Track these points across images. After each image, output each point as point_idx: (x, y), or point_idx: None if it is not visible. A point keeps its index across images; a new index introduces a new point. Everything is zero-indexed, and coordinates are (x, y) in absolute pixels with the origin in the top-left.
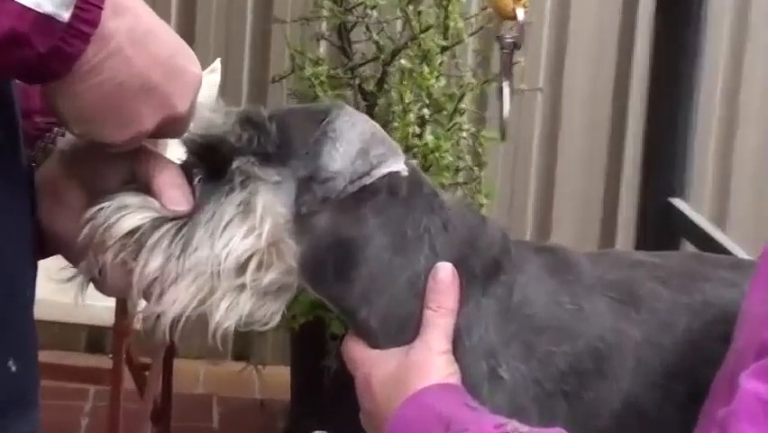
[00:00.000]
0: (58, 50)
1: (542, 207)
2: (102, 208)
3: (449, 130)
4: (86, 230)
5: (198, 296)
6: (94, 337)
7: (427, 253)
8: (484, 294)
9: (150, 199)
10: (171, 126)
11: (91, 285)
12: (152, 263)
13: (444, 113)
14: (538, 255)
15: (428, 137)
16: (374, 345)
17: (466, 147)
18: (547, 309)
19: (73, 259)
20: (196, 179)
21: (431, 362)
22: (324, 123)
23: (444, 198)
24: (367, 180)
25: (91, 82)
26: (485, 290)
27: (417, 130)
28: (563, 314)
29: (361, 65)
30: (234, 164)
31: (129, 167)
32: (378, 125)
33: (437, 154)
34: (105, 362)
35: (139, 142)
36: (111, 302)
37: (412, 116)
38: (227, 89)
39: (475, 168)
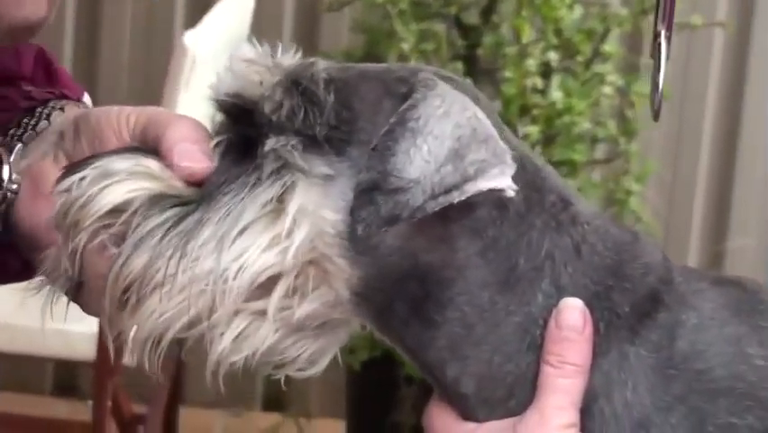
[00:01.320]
0: None
1: (718, 198)
2: (80, 178)
3: (585, 83)
4: (57, 208)
5: (189, 311)
6: (64, 375)
7: (547, 289)
8: (633, 341)
9: (149, 162)
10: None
11: (74, 304)
12: (137, 258)
13: (579, 58)
14: (716, 288)
15: (555, 93)
16: (467, 415)
17: (610, 109)
18: (728, 364)
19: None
20: (215, 141)
21: None
22: (404, 106)
23: (580, 205)
24: (455, 197)
25: None
26: (635, 335)
27: (540, 83)
28: (752, 372)
29: None
30: (269, 144)
31: (137, 133)
32: (482, 116)
33: (568, 118)
34: (80, 410)
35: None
36: (90, 326)
37: (532, 63)
38: (263, 21)
39: (622, 139)
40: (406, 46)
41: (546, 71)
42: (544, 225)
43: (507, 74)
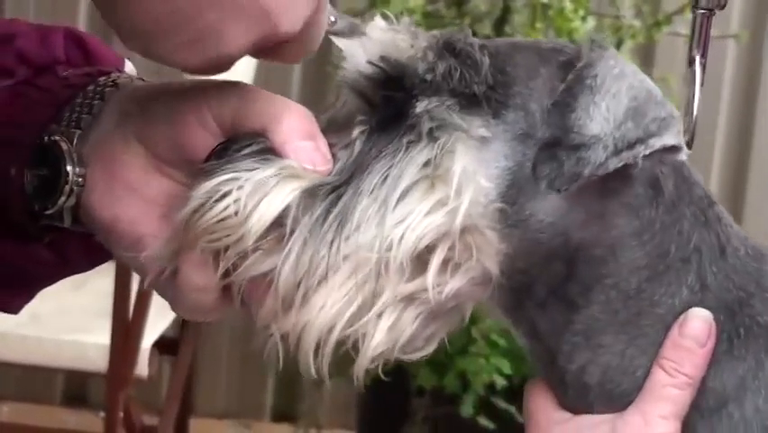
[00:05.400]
0: None
1: (731, 209)
2: (226, 192)
3: None
4: (193, 218)
5: (356, 300)
6: (74, 386)
7: (693, 284)
8: None
9: (288, 162)
10: (278, 50)
11: (76, 314)
12: (304, 255)
13: None
14: None
15: None
16: (577, 406)
17: None
18: None
19: (141, 266)
20: (357, 130)
21: None
22: (581, 64)
23: (721, 208)
24: (640, 152)
25: None
26: None
27: None
28: None
29: None
30: (421, 105)
31: (225, 117)
32: (653, 84)
33: None
34: (90, 420)
35: (225, 69)
36: (102, 338)
37: None
38: None
39: None
40: None
41: None
42: (693, 217)
43: None
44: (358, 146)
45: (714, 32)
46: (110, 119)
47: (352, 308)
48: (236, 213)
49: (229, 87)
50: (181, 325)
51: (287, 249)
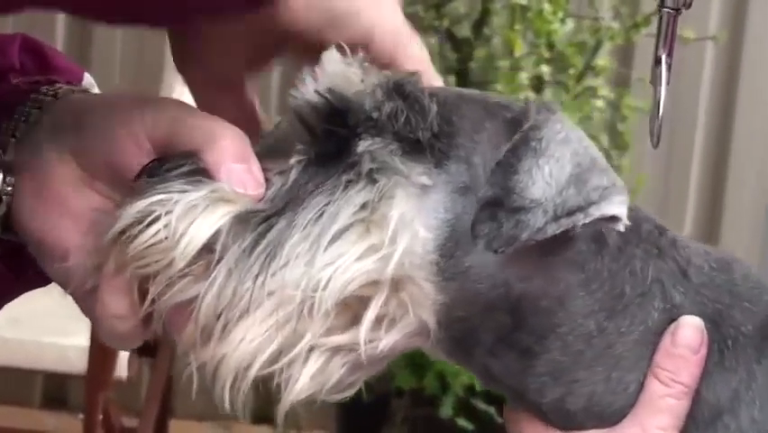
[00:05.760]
0: None
1: (710, 212)
2: (156, 216)
3: (577, 97)
4: (119, 247)
5: (276, 339)
6: (53, 388)
7: (661, 306)
8: (760, 360)
9: (219, 185)
10: None
11: (56, 316)
12: (228, 287)
13: (572, 71)
14: None
15: None
16: (566, 426)
17: (601, 122)
18: None
19: (65, 279)
20: (295, 159)
21: None
22: (527, 126)
23: (673, 233)
24: (580, 220)
25: None
26: (761, 354)
27: (532, 97)
28: None
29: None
30: (363, 145)
31: (158, 135)
32: (597, 151)
33: None
34: (69, 423)
35: None
36: (82, 340)
37: (524, 76)
38: None
39: (614, 152)
40: None
41: (538, 85)
42: (645, 253)
43: (499, 88)
44: (293, 174)
45: (692, 33)
46: (45, 130)
47: (273, 347)
48: (166, 237)
49: (165, 105)
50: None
51: (211, 277)
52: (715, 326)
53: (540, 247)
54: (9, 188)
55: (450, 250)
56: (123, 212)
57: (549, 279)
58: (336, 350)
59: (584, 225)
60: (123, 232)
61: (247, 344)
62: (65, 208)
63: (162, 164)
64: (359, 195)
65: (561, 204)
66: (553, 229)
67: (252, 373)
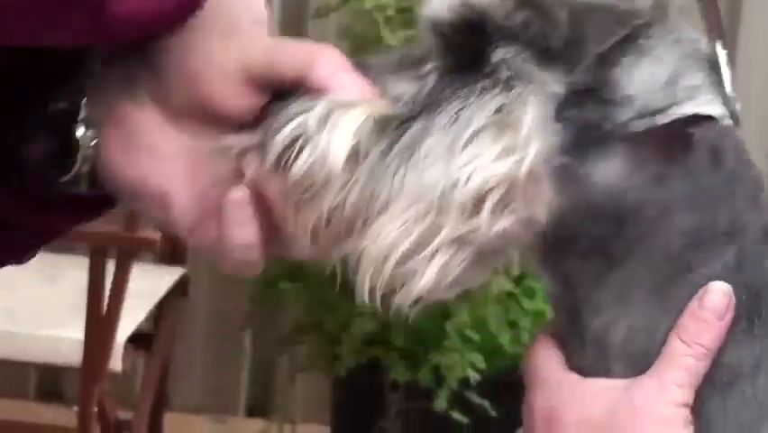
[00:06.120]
0: None
1: None
2: (302, 134)
3: None
4: (275, 176)
5: (414, 231)
6: (47, 380)
7: (731, 259)
8: None
9: (339, 95)
10: None
11: (50, 309)
12: (370, 184)
13: None
14: None
15: None
16: (592, 366)
17: None
18: None
19: (172, 223)
20: (432, 65)
21: (656, 412)
22: (638, 22)
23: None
24: (659, 120)
25: None
26: None
27: None
28: None
29: None
30: (499, 54)
31: (253, 70)
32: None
33: None
34: (64, 415)
35: None
36: (76, 333)
37: None
38: None
39: None
40: None
41: None
42: (746, 194)
43: None
44: (430, 82)
45: None
46: (117, 81)
47: (410, 240)
48: (315, 160)
49: (251, 37)
50: (156, 319)
51: (354, 177)
52: (754, 295)
53: (662, 155)
54: (90, 151)
55: (575, 154)
56: (266, 144)
57: (664, 187)
58: (460, 243)
59: (700, 126)
60: (277, 162)
61: (385, 237)
62: (157, 153)
63: (278, 99)
64: (494, 100)
65: (646, 104)
66: (635, 126)
67: (390, 264)
